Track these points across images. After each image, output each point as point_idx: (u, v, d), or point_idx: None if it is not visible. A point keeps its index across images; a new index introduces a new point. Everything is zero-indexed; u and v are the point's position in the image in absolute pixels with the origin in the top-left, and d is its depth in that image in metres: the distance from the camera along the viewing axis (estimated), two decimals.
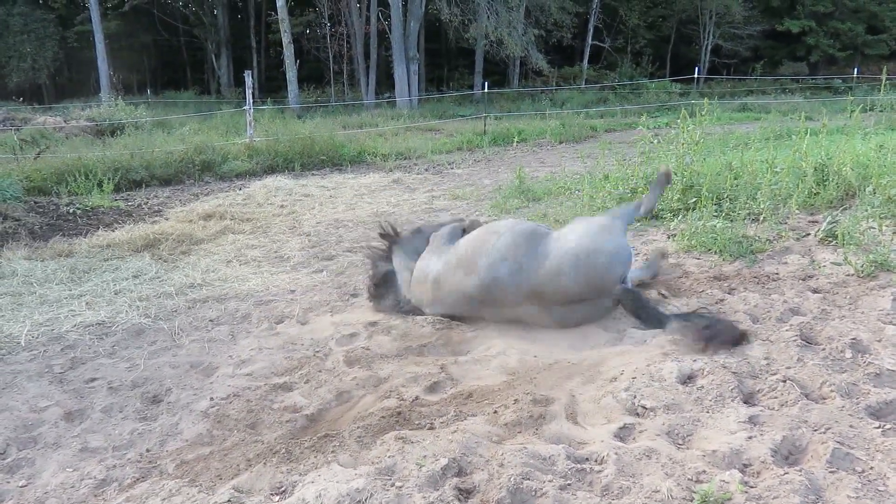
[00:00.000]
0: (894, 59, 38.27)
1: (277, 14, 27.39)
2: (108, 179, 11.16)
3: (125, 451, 3.45)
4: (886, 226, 5.90)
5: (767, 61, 39.51)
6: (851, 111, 9.39)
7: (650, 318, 4.35)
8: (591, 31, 36.54)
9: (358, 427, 3.40)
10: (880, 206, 6.25)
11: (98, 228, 8.70)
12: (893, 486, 2.58)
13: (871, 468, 2.69)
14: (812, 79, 34.98)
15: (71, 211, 9.71)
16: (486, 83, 25.63)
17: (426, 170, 13.58)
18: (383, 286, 5.31)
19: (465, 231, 5.33)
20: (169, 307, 5.66)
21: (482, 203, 9.30)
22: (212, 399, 3.94)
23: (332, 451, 3.19)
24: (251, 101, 15.50)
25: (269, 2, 38.38)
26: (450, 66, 41.42)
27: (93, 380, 4.30)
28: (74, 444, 3.51)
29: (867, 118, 13.17)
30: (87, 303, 5.77)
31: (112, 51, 36.92)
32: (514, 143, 16.63)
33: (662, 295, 4.98)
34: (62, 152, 12.82)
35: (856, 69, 29.70)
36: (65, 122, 17.35)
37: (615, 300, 4.47)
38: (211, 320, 5.34)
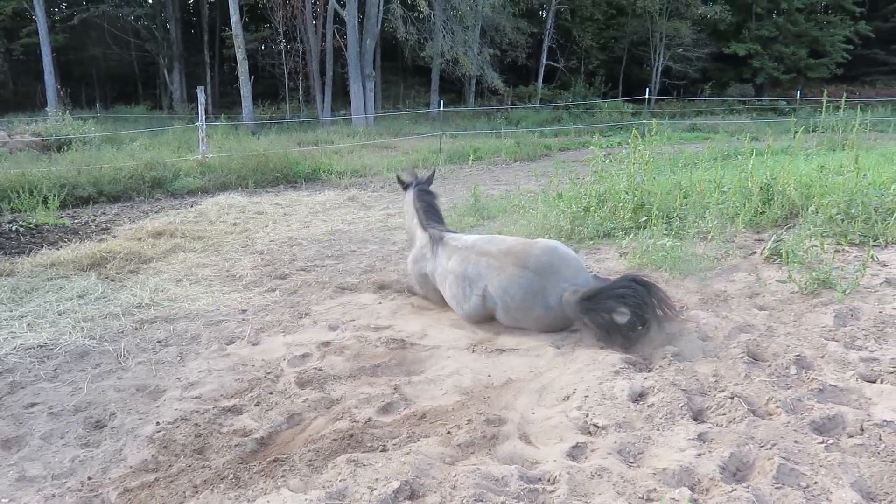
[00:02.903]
0: (835, 83, 39.77)
1: (232, 30, 27.14)
2: (54, 196, 10.87)
3: (65, 480, 3.32)
4: (828, 244, 6.10)
5: (715, 83, 40.67)
6: (795, 132, 9.72)
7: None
8: (546, 51, 37.09)
9: (309, 450, 3.34)
10: (822, 226, 6.45)
11: (42, 247, 8.43)
12: (837, 500, 2.64)
13: (815, 483, 2.75)
14: (758, 100, 36.11)
15: (13, 228, 9.41)
16: (442, 101, 25.76)
17: (382, 187, 13.56)
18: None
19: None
20: (115, 328, 5.51)
21: None
22: (158, 423, 3.83)
23: (282, 476, 3.12)
24: (204, 116, 15.29)
25: (223, 17, 38.04)
26: (406, 83, 41.55)
27: (32, 405, 4.14)
28: (11, 473, 3.37)
29: (810, 139, 13.65)
30: (28, 324, 5.57)
31: (60, 64, 36.13)
32: (470, 162, 16.73)
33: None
34: (5, 168, 12.41)
35: (799, 91, 30.75)
36: (9, 136, 16.83)
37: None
38: (159, 341, 5.21)
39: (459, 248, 5.26)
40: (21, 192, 10.83)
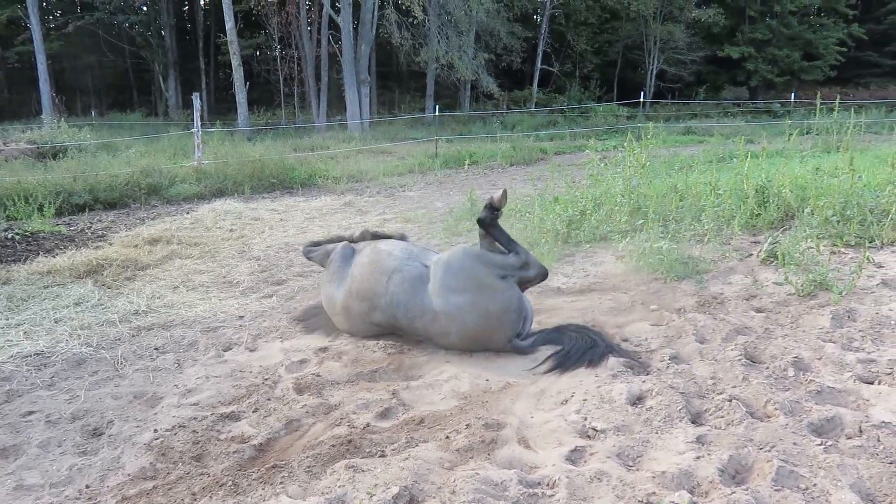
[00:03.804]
0: (829, 85, 39.93)
1: (227, 36, 27.16)
2: (50, 203, 10.85)
3: (63, 488, 3.31)
4: (824, 246, 6.11)
5: (710, 86, 40.78)
6: (790, 135, 9.75)
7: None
8: (540, 55, 37.18)
9: (307, 456, 3.33)
10: (818, 227, 6.47)
11: (38, 254, 8.41)
12: (836, 502, 2.64)
13: (815, 485, 2.75)
14: (752, 103, 36.21)
15: (9, 236, 9.38)
16: (438, 106, 25.78)
17: (378, 192, 13.56)
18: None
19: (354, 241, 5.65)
20: (112, 335, 5.49)
21: (434, 226, 9.30)
22: (156, 431, 3.81)
23: (281, 483, 3.12)
24: (199, 123, 15.27)
25: (218, 24, 38.05)
26: (401, 89, 41.62)
27: (30, 413, 4.13)
28: (9, 482, 3.36)
29: (804, 141, 13.69)
30: (24, 332, 5.55)
31: (55, 72, 36.09)
32: (466, 166, 16.74)
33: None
34: (0, 175, 12.40)
35: (793, 94, 30.85)
36: (4, 144, 16.80)
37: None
38: (156, 348, 5.20)
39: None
40: (17, 200, 10.82)
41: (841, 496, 2.66)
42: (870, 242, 6.28)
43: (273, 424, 3.80)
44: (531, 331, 4.68)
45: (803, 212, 6.86)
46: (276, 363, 4.75)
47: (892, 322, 4.45)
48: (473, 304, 4.43)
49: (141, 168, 13.60)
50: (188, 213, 11.37)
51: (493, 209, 4.73)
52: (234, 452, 3.53)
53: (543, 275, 4.70)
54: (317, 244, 5.80)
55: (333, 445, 3.43)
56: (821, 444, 3.03)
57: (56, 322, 5.83)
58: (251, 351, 5.06)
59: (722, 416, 3.37)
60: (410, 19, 29.24)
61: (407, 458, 3.15)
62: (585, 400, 3.66)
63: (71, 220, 11.10)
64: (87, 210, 11.85)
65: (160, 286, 6.88)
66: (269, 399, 4.14)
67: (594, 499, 2.78)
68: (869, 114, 23.38)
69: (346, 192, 13.62)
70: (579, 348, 4.32)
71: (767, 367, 3.92)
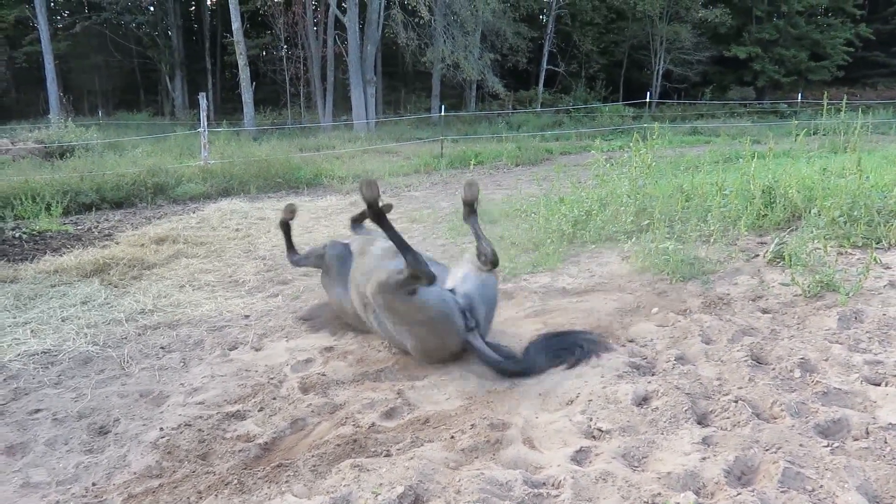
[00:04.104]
0: (836, 85, 39.79)
1: (233, 36, 27.21)
2: (57, 203, 10.89)
3: (70, 486, 3.33)
4: (831, 247, 6.08)
5: (716, 86, 40.70)
6: (796, 135, 9.71)
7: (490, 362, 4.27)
8: (546, 55, 37.17)
9: (313, 456, 3.34)
10: (825, 228, 6.44)
11: (45, 253, 8.44)
12: None
13: (821, 486, 2.74)
14: (759, 103, 36.13)
15: (17, 235, 9.42)
16: (443, 106, 25.79)
17: (383, 192, 13.54)
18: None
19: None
20: (118, 334, 5.51)
21: (439, 226, 9.31)
22: (162, 429, 3.83)
23: (286, 482, 3.12)
24: (206, 123, 15.32)
25: (224, 24, 38.20)
26: (407, 89, 41.62)
27: (36, 411, 4.15)
28: (15, 480, 3.37)
29: (811, 142, 13.63)
30: (32, 331, 5.58)
31: (62, 72, 36.22)
32: (471, 166, 16.70)
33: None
34: (8, 175, 12.47)
35: (800, 94, 30.74)
36: (12, 143, 16.89)
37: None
38: (162, 347, 5.21)
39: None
40: (24, 199, 10.87)
41: (847, 498, 2.65)
42: (877, 243, 6.25)
43: (278, 423, 3.81)
44: (512, 350, 4.48)
45: (810, 212, 6.83)
46: (281, 362, 4.76)
47: None
48: (405, 332, 4.36)
49: (147, 167, 13.65)
50: (194, 212, 11.40)
51: (466, 204, 4.88)
52: (240, 451, 3.53)
53: (432, 280, 4.12)
54: (292, 248, 6.00)
55: (338, 445, 3.44)
56: (827, 446, 3.01)
57: (63, 320, 5.85)
58: (257, 350, 5.07)
59: (728, 418, 3.36)
60: (416, 19, 29.28)
61: (412, 458, 3.15)
62: (591, 400, 3.66)
63: (78, 219, 11.15)
64: (93, 209, 11.90)
65: (166, 285, 6.90)
66: (274, 398, 4.15)
67: (599, 499, 2.77)
68: (876, 114, 23.32)
69: (351, 191, 13.62)
70: (587, 343, 4.37)
71: (774, 369, 3.91)
